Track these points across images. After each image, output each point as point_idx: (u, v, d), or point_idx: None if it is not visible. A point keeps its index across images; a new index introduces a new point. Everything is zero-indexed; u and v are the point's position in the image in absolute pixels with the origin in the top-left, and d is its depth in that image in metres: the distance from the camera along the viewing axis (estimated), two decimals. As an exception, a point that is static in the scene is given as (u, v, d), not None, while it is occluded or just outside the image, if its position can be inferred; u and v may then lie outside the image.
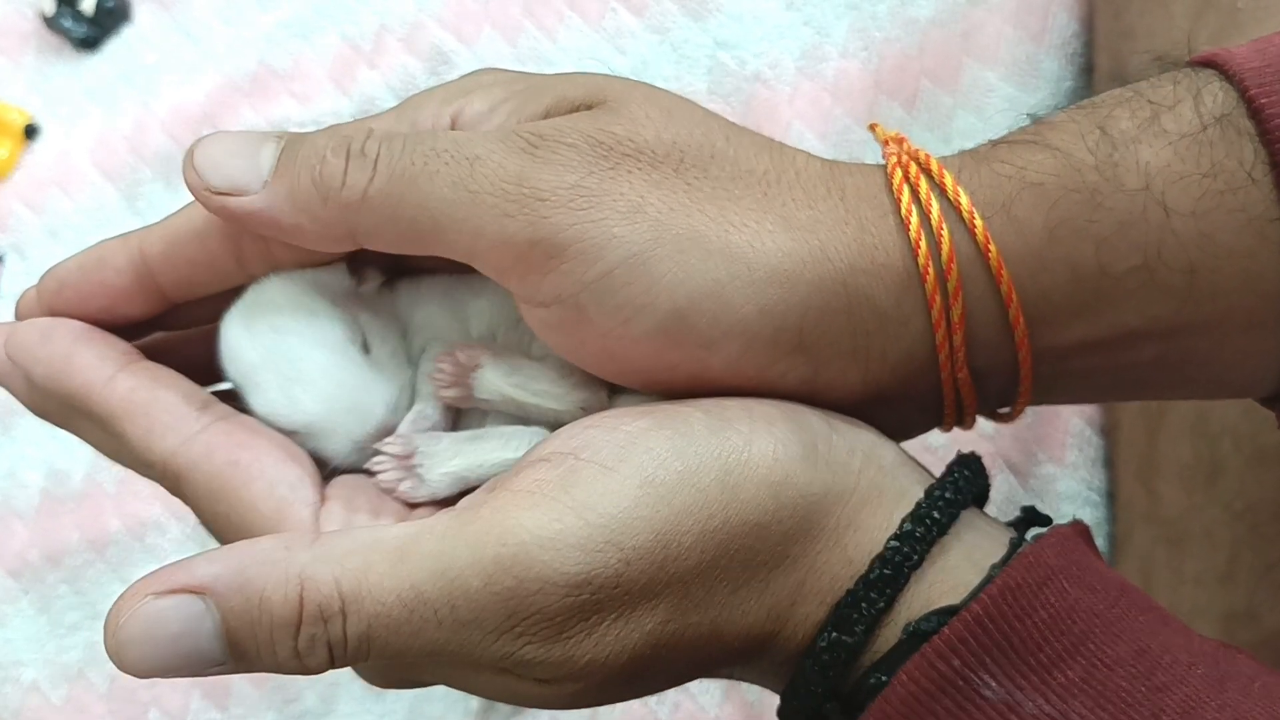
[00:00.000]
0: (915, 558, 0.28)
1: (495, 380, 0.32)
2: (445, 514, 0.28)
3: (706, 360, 0.29)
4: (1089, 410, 0.53)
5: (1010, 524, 0.30)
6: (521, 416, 0.32)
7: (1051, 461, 0.53)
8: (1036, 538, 0.28)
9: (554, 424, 0.31)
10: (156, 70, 0.64)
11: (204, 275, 0.33)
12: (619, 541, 0.26)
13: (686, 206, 0.29)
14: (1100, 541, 0.52)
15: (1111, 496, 0.52)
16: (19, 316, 0.33)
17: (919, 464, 0.30)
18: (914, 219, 0.29)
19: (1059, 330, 0.29)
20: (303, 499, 0.29)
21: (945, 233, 0.29)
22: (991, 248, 0.28)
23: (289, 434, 0.32)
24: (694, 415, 0.28)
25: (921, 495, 0.29)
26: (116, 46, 0.65)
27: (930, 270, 0.29)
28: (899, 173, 0.30)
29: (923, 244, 0.29)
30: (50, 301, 0.33)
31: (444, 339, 0.33)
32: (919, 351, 0.30)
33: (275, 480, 0.30)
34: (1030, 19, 0.57)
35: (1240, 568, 0.44)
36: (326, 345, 0.32)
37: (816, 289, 0.29)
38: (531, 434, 0.31)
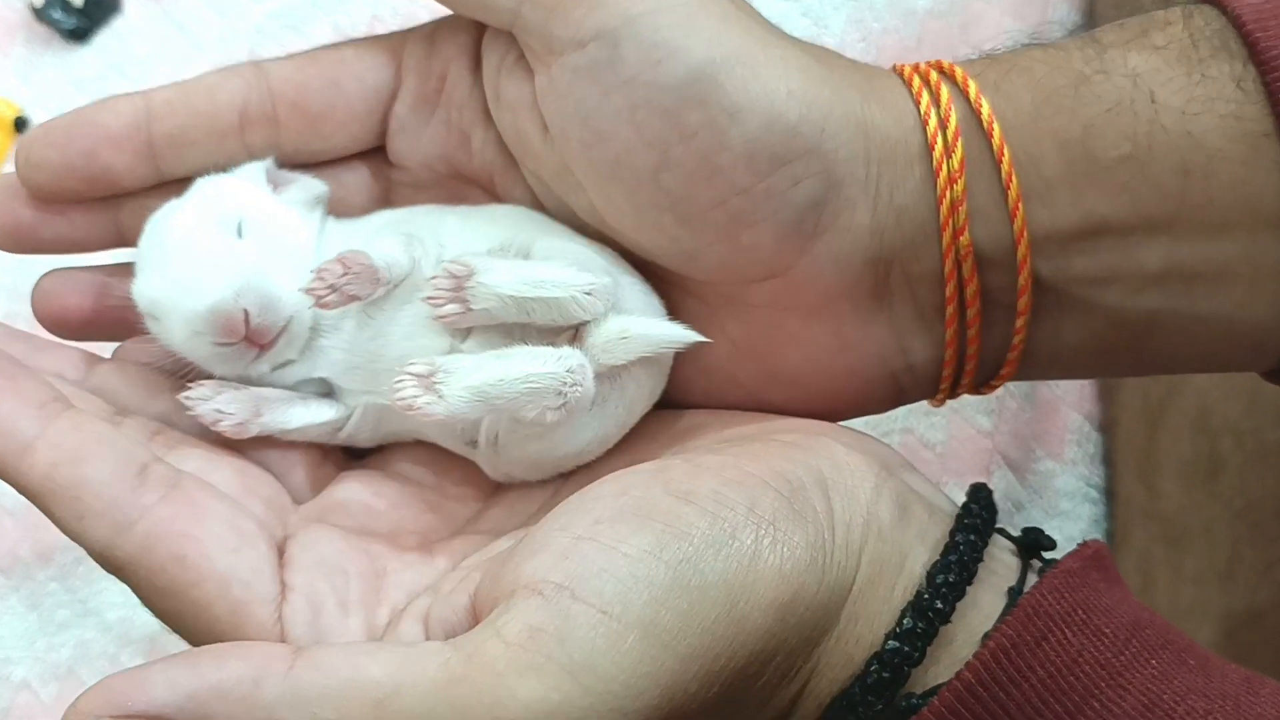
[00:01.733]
0: (916, 655, 0.27)
1: (492, 282, 0.30)
2: (431, 654, 0.25)
3: (725, 133, 0.28)
4: (1088, 406, 0.53)
5: (1017, 543, 0.30)
6: (526, 327, 0.30)
7: (1050, 458, 0.53)
8: (1044, 569, 0.28)
9: (560, 328, 0.30)
10: (147, 62, 0.63)
11: (202, 132, 0.33)
12: (624, 707, 0.24)
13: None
14: (1099, 538, 0.51)
15: (1110, 493, 0.52)
16: None
17: (917, 497, 0.29)
18: (915, 80, 0.31)
19: (1054, 209, 0.29)
20: (261, 595, 0.27)
21: (944, 91, 0.30)
22: (984, 105, 0.29)
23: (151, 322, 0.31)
24: (695, 523, 0.26)
25: (923, 572, 0.28)
26: (106, 38, 0.64)
27: (931, 116, 0.30)
28: (904, 68, 0.31)
29: (924, 97, 0.30)
30: (37, 140, 0.33)
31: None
32: (923, 206, 0.30)
33: (228, 577, 0.27)
34: (1030, 10, 0.56)
35: (1241, 566, 0.44)
36: (190, 226, 0.31)
37: (838, 97, 0.29)
38: (560, 355, 0.29)
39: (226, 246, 0.31)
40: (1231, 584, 0.44)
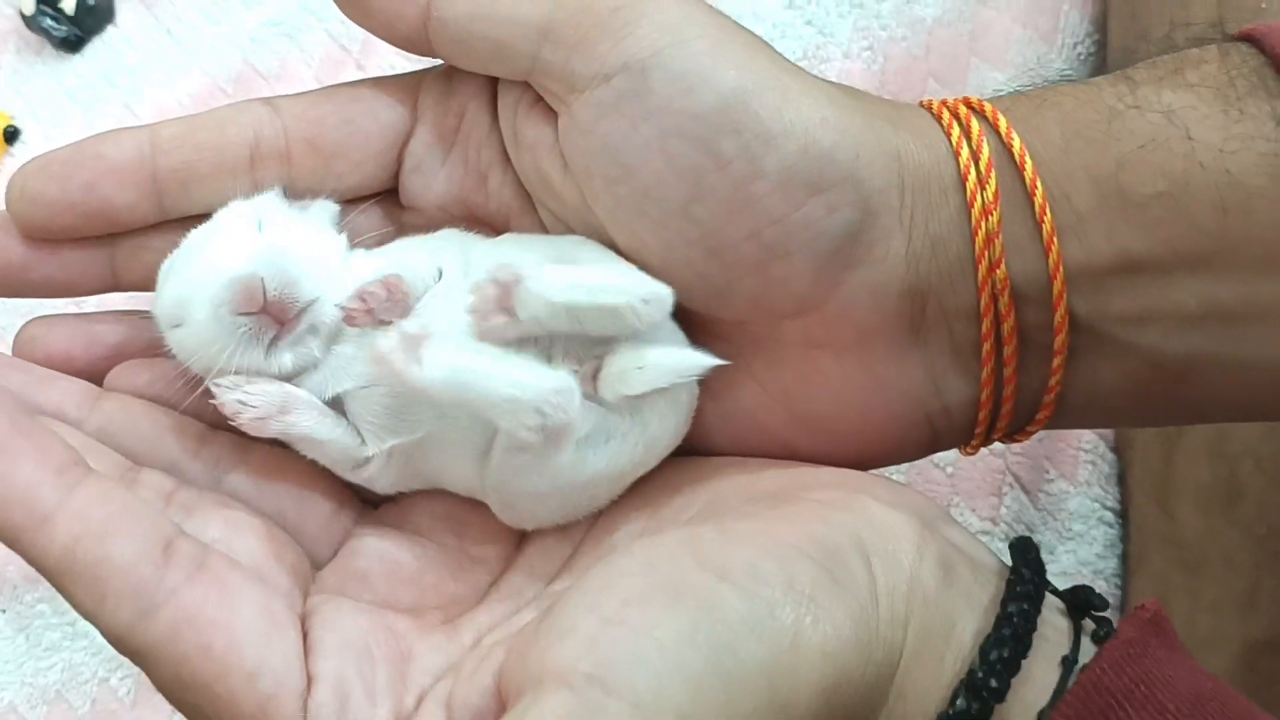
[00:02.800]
0: None
1: (541, 289, 0.28)
2: None
3: (760, 160, 0.28)
4: (1101, 425, 0.52)
5: (1064, 599, 0.28)
6: (575, 338, 0.29)
7: (1063, 478, 0.51)
8: (1097, 633, 0.26)
9: (610, 338, 0.29)
10: (139, 71, 0.62)
11: (210, 167, 0.32)
12: None
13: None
14: (1113, 563, 0.50)
15: (1125, 516, 0.50)
16: None
17: (960, 555, 0.28)
18: (944, 114, 0.30)
19: (1088, 245, 0.28)
20: (289, 688, 0.26)
21: (974, 124, 0.29)
22: (1015, 140, 0.29)
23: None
24: (730, 602, 0.24)
25: (973, 642, 0.26)
26: (98, 47, 0.63)
27: (963, 148, 0.29)
28: (932, 102, 0.31)
29: (955, 129, 0.30)
30: (33, 173, 0.31)
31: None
32: (957, 237, 0.29)
33: (257, 670, 0.26)
34: (1041, 19, 0.55)
35: (1262, 595, 0.42)
36: (210, 231, 0.31)
37: (870, 125, 0.29)
38: (553, 375, 0.28)
39: (247, 236, 0.31)
40: (1252, 613, 0.43)
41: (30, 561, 0.27)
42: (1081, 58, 0.54)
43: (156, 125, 0.32)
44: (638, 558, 0.26)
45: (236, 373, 0.30)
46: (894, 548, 0.27)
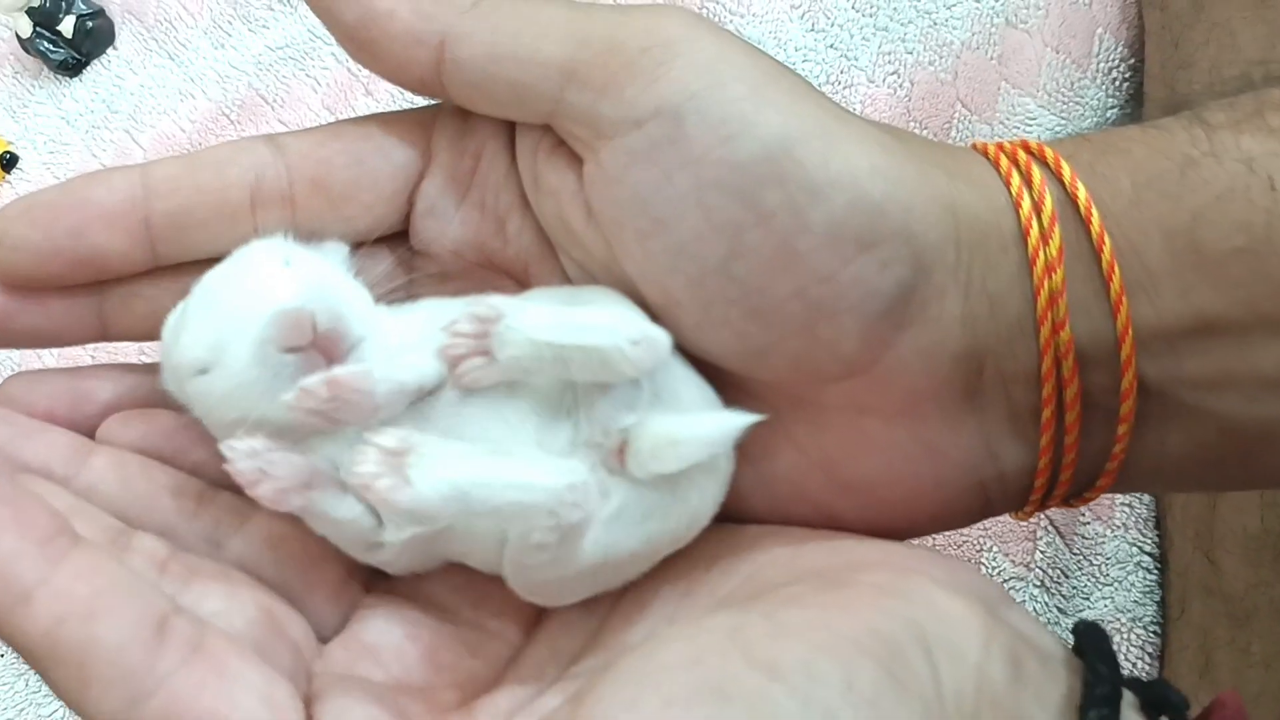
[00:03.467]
0: None
1: (523, 325, 0.26)
2: None
3: (806, 214, 0.26)
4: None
5: (1139, 694, 0.26)
6: (559, 382, 0.27)
7: (1099, 520, 0.49)
8: None
9: (633, 397, 0.27)
10: (140, 96, 0.61)
11: (208, 211, 0.29)
12: None
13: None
14: (1151, 609, 0.48)
15: (1164, 561, 0.49)
16: None
17: (1027, 646, 0.26)
18: (1002, 159, 0.28)
19: (1160, 305, 0.26)
20: None
21: (1035, 172, 0.27)
22: (1080, 189, 0.27)
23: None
24: (784, 706, 0.22)
25: None
26: (98, 71, 0.61)
27: (1024, 199, 0.27)
28: (987, 146, 0.29)
29: (1014, 177, 0.28)
30: (15, 218, 0.29)
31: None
32: (1017, 296, 0.27)
33: None
34: (1073, 43, 0.53)
35: (1315, 652, 0.41)
36: (230, 272, 0.28)
37: (923, 174, 0.27)
38: (564, 469, 0.26)
39: (281, 271, 0.28)
40: (1305, 670, 0.41)
41: (8, 642, 0.24)
42: (1116, 84, 0.52)
43: (149, 165, 0.30)
44: (679, 650, 0.24)
45: (266, 427, 0.28)
46: (959, 640, 0.25)
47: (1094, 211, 0.27)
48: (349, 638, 0.29)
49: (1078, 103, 0.52)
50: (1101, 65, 0.52)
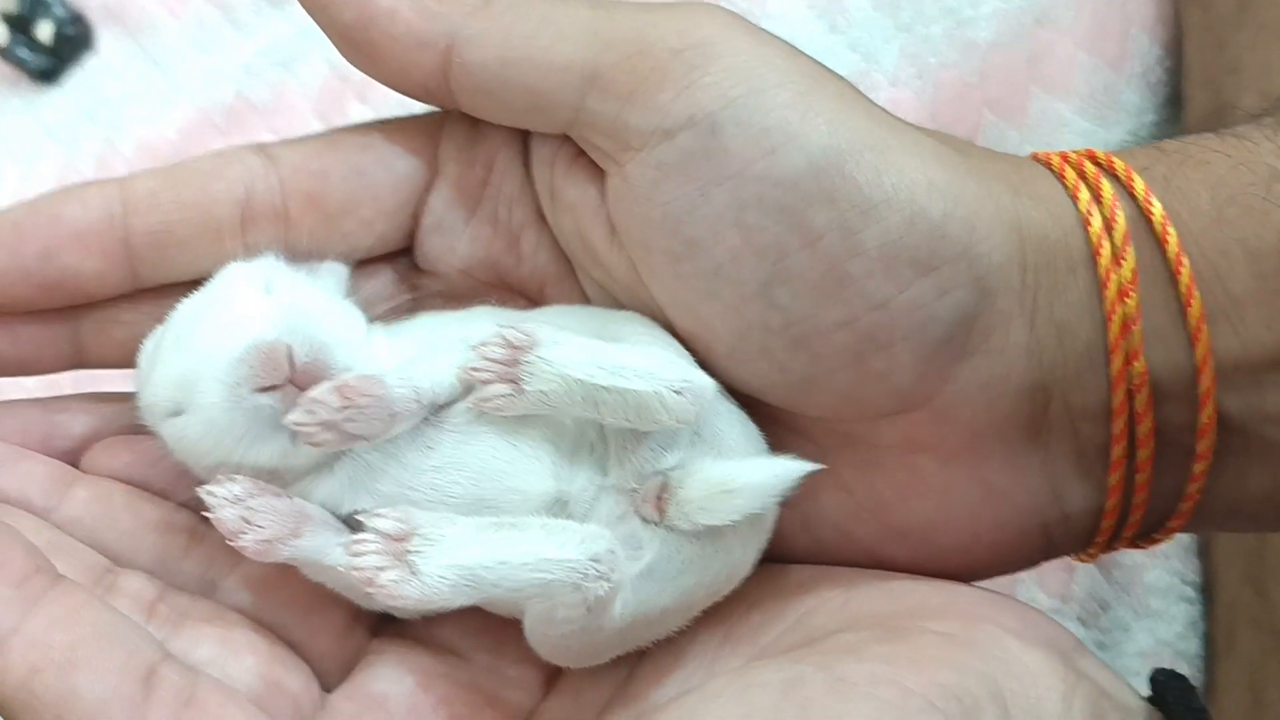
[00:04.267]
0: None
1: (558, 359, 0.24)
2: None
3: (858, 234, 0.24)
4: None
5: None
6: (630, 447, 0.25)
7: (1139, 550, 0.47)
8: None
9: (670, 441, 0.25)
10: (122, 104, 0.58)
11: (192, 230, 0.28)
12: None
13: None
14: (1195, 643, 0.46)
15: (1207, 592, 0.46)
16: None
17: (1108, 700, 0.24)
18: (1068, 171, 0.26)
19: (1245, 334, 0.25)
20: None
21: (1105, 186, 0.25)
22: (1155, 205, 0.25)
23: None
24: None
25: None
26: (78, 78, 0.59)
27: (1094, 216, 0.25)
28: (1050, 157, 0.27)
29: (1082, 192, 0.26)
30: None
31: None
32: (1086, 322, 0.25)
33: None
34: (1106, 44, 0.50)
35: (1377, 695, 0.38)
36: (207, 300, 0.27)
37: (985, 190, 0.25)
38: (585, 536, 0.24)
39: (257, 300, 0.26)
40: (1365, 714, 0.39)
41: None
42: (1152, 86, 0.50)
43: (128, 180, 0.28)
44: (730, 707, 0.22)
45: (251, 468, 0.26)
46: (1037, 696, 0.23)
47: (1170, 231, 0.25)
48: (355, 687, 0.27)
49: (1113, 107, 0.50)
50: (1136, 68, 0.50)
